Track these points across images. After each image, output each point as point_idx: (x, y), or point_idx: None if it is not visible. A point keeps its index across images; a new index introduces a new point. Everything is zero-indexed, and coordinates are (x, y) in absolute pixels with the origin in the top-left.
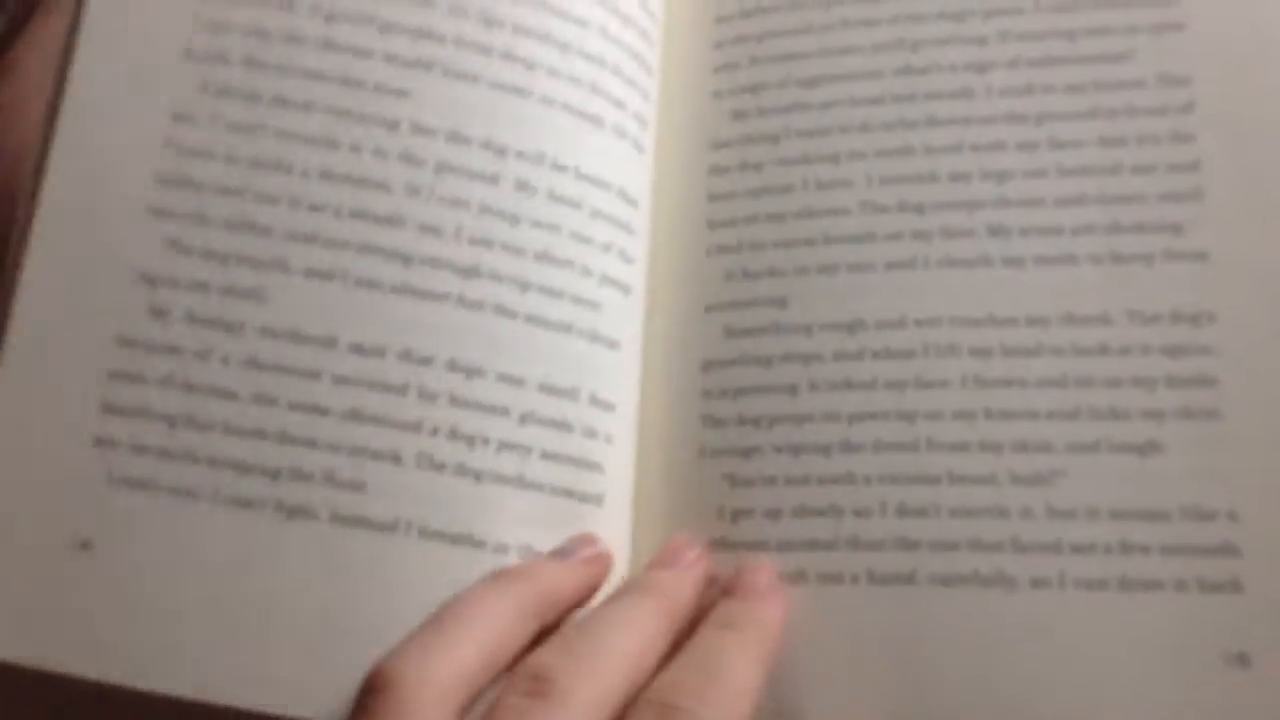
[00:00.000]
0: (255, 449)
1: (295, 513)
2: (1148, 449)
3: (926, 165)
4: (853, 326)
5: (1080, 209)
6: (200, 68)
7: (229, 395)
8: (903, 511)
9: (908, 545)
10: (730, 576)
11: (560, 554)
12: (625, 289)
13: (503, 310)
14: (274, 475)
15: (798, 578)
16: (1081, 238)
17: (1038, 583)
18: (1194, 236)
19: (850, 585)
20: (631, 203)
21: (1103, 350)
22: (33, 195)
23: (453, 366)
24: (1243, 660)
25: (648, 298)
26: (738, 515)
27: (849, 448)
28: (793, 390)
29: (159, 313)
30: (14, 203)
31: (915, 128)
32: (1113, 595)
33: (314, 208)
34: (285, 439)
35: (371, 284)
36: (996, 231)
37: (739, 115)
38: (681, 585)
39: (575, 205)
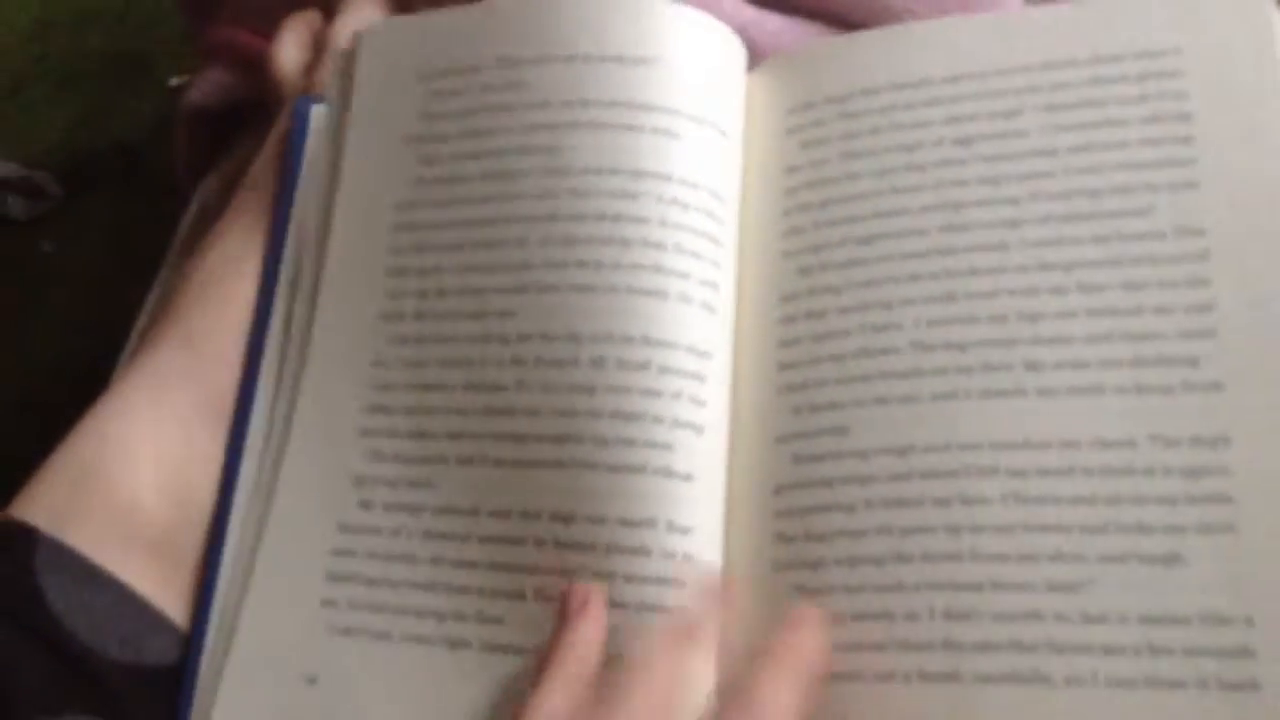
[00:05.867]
0: (429, 599)
1: (457, 644)
2: (1170, 560)
3: (968, 309)
4: (904, 451)
5: (1106, 345)
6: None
7: (412, 559)
8: (949, 616)
9: (954, 647)
10: None
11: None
12: (699, 429)
13: (588, 464)
14: (440, 617)
15: (855, 677)
16: (1108, 371)
17: (1072, 681)
18: (1209, 369)
19: (903, 683)
20: (703, 355)
21: (1128, 471)
22: (279, 450)
23: (554, 517)
24: None
25: (730, 433)
26: None
27: (901, 559)
28: (851, 509)
29: (365, 504)
30: (226, 365)
31: (957, 277)
32: (1141, 693)
33: (464, 415)
34: (449, 589)
35: (499, 462)
36: (1031, 366)
37: (805, 271)
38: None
39: (643, 368)
